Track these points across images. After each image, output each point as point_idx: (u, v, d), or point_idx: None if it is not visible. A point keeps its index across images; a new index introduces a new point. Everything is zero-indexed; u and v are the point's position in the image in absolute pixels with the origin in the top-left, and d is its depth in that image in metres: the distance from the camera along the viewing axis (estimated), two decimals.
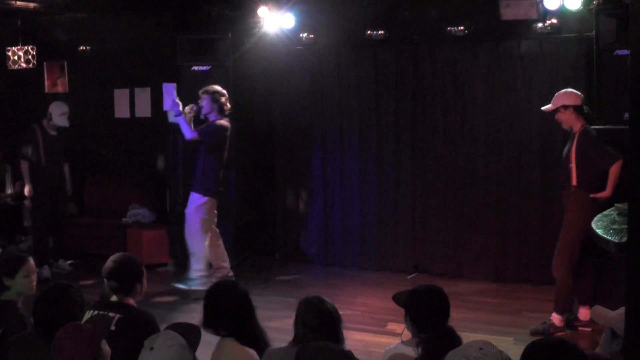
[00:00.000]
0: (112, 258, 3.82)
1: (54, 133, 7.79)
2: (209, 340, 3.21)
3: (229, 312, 3.35)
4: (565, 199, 5.79)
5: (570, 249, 5.70)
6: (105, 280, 3.72)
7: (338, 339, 3.22)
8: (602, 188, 5.57)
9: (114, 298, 3.70)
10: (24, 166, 7.68)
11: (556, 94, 5.77)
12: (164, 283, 7.50)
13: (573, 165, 5.64)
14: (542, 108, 5.91)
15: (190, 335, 2.82)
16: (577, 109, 5.65)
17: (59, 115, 7.73)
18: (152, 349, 2.64)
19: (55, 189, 7.83)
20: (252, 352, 3.29)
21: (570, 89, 5.77)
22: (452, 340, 3.05)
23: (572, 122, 5.69)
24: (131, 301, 3.72)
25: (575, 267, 5.73)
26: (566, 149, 5.80)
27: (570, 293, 5.78)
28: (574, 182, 5.64)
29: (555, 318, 5.79)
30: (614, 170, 5.50)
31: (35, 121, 7.84)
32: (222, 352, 3.24)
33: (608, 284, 5.93)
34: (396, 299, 3.41)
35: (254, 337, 3.39)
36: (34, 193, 7.66)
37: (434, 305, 3.26)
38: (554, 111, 5.74)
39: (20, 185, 8.15)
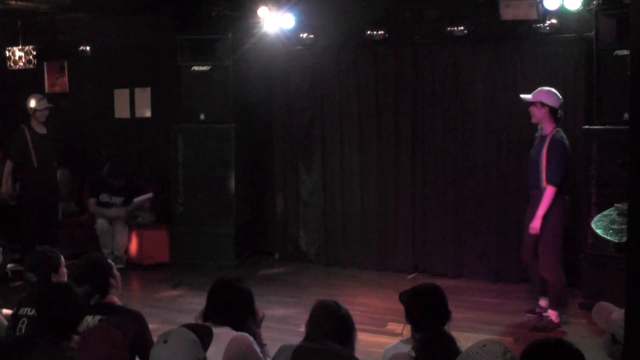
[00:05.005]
0: (77, 263, 3.77)
1: (43, 132, 7.63)
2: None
3: (233, 306, 3.35)
4: (536, 200, 5.83)
5: (554, 247, 5.78)
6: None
7: (350, 345, 3.19)
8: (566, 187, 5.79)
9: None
10: (7, 166, 7.53)
11: (539, 89, 5.91)
12: (164, 283, 7.52)
13: (544, 167, 5.73)
14: (521, 96, 6.03)
15: (203, 334, 2.84)
16: (552, 111, 5.77)
17: (38, 100, 7.59)
18: (165, 342, 2.64)
19: (47, 191, 7.65)
20: (248, 335, 3.26)
21: (553, 90, 5.88)
22: (447, 345, 2.99)
23: (543, 121, 5.82)
24: (114, 299, 3.64)
25: (561, 262, 5.83)
26: (535, 150, 5.90)
27: (564, 288, 5.88)
28: (544, 183, 5.74)
29: (552, 314, 5.89)
30: (548, 193, 5.67)
31: (23, 122, 7.68)
32: (219, 341, 3.23)
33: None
34: (400, 297, 3.40)
35: (249, 330, 3.38)
36: (24, 195, 7.49)
37: (429, 306, 3.24)
38: (529, 102, 5.87)
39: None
